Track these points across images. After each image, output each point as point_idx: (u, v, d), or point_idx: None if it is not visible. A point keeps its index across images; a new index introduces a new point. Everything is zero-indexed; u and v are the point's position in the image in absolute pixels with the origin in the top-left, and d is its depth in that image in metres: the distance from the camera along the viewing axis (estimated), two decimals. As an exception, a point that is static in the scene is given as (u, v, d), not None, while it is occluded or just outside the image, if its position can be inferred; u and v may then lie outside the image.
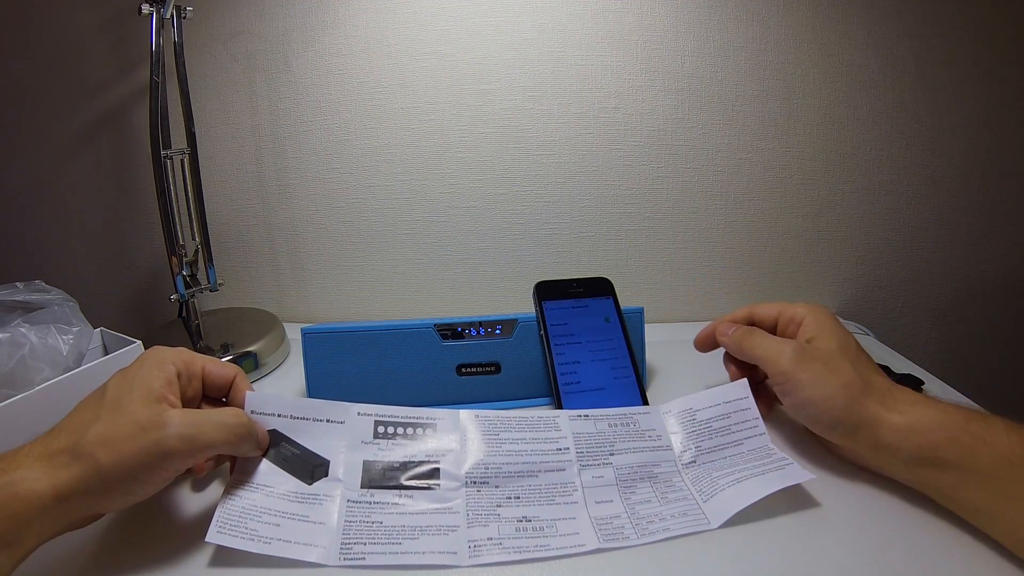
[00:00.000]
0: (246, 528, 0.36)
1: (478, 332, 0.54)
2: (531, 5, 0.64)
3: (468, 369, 0.54)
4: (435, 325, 0.53)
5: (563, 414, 0.46)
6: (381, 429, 0.43)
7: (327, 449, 0.41)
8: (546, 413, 0.46)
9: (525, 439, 0.44)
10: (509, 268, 0.73)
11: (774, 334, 0.48)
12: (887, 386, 0.41)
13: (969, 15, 0.65)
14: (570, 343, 0.52)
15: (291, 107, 0.67)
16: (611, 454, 0.43)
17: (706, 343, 0.52)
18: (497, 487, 0.41)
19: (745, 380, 0.47)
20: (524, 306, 0.57)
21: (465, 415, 0.44)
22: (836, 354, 0.42)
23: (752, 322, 0.50)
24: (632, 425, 0.46)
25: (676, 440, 0.45)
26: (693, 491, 0.42)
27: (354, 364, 0.52)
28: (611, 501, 0.41)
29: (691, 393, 0.48)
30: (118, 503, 0.34)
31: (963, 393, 0.50)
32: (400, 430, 0.43)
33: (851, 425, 0.40)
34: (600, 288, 0.56)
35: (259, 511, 0.37)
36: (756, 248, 0.72)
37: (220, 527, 0.36)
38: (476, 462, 0.42)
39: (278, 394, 0.43)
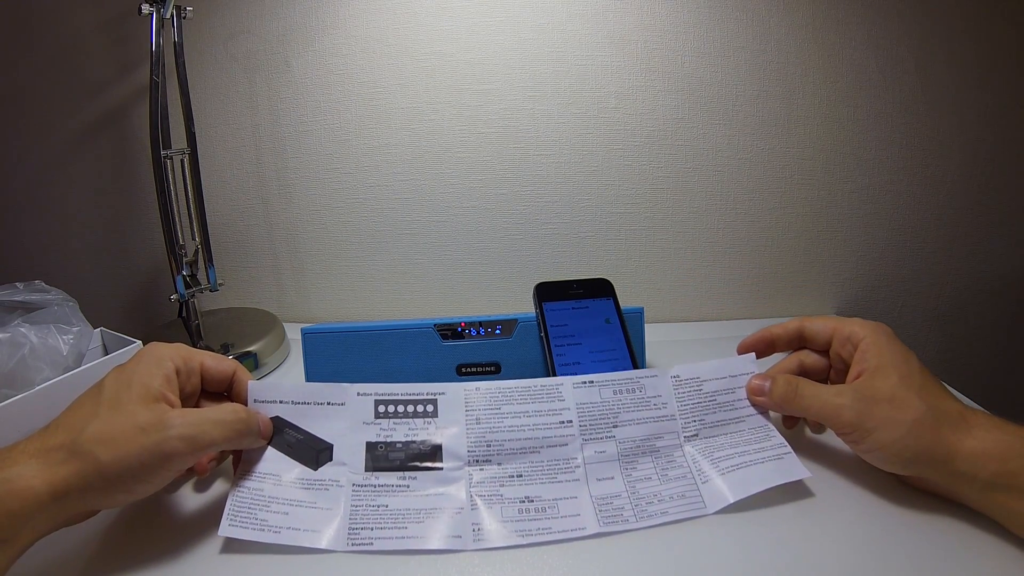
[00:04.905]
0: (256, 519, 0.37)
1: (478, 332, 0.54)
2: (531, 5, 0.64)
3: (468, 369, 0.54)
4: (435, 325, 0.53)
5: (567, 381, 0.44)
6: (382, 408, 0.43)
7: (330, 433, 0.42)
8: (549, 381, 0.44)
9: (527, 412, 0.43)
10: (509, 268, 0.73)
11: (827, 352, 0.45)
12: (959, 411, 0.38)
13: (969, 15, 0.65)
14: (570, 344, 0.52)
15: (291, 107, 0.67)
16: (614, 426, 0.43)
17: (750, 351, 0.48)
18: (500, 464, 0.41)
19: (752, 355, 0.47)
20: (524, 306, 0.57)
21: (466, 389, 0.44)
22: (899, 388, 0.38)
23: (803, 338, 0.46)
24: (638, 391, 0.44)
25: (680, 409, 0.44)
26: (693, 469, 0.42)
27: (354, 364, 0.52)
28: (612, 478, 0.41)
29: (699, 361, 0.46)
30: (116, 501, 0.35)
31: (963, 393, 0.50)
32: (401, 408, 0.43)
33: (926, 461, 0.37)
34: (600, 289, 0.56)
35: (267, 500, 0.38)
36: (756, 248, 0.72)
37: (232, 520, 0.37)
38: (478, 439, 0.42)
39: (278, 381, 0.43)
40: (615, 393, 0.44)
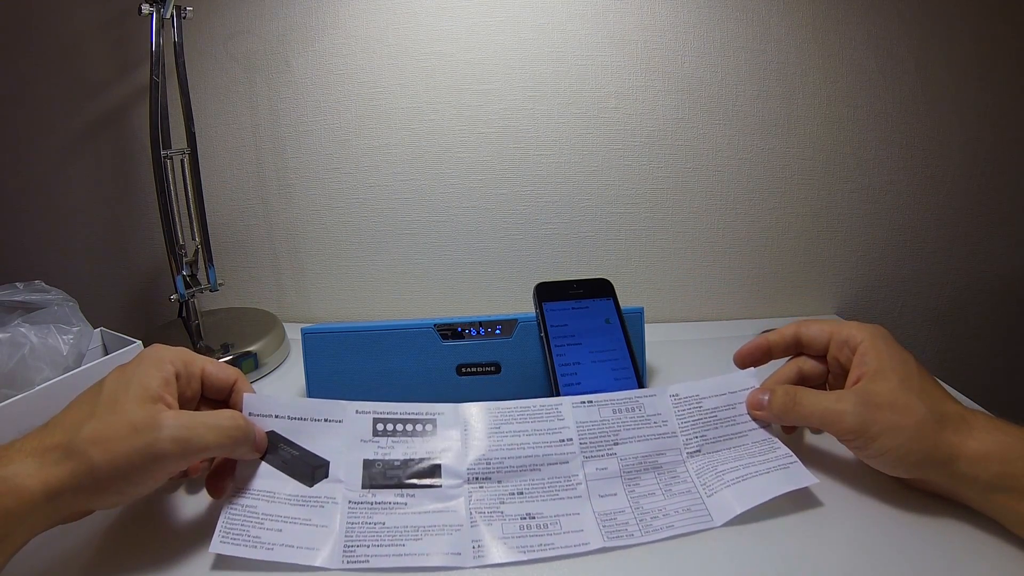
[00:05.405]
0: (249, 535, 0.36)
1: (478, 332, 0.54)
2: (531, 5, 0.64)
3: (468, 369, 0.54)
4: (435, 325, 0.53)
5: (566, 401, 0.45)
6: (380, 427, 0.42)
7: (327, 449, 0.41)
8: (549, 401, 0.44)
9: (527, 431, 0.43)
10: (509, 268, 0.73)
11: (824, 356, 0.45)
12: (959, 413, 0.38)
13: (969, 15, 0.65)
14: (570, 344, 0.52)
15: (291, 107, 0.67)
16: (615, 444, 0.43)
17: (747, 360, 0.48)
18: (500, 482, 0.41)
19: (752, 370, 0.47)
20: (524, 306, 0.57)
21: (465, 408, 0.44)
22: (900, 391, 0.38)
23: (799, 344, 0.46)
24: (637, 410, 0.45)
25: (681, 427, 0.44)
26: (697, 483, 0.42)
27: (354, 364, 0.52)
28: (615, 494, 0.41)
29: (697, 379, 0.47)
30: (109, 502, 0.34)
31: (963, 393, 0.50)
32: (399, 427, 0.43)
33: (929, 464, 0.37)
34: (600, 289, 0.56)
35: (261, 517, 0.37)
36: (756, 248, 0.72)
37: (223, 536, 0.36)
38: (478, 457, 0.42)
39: (275, 395, 0.43)
40: (614, 412, 0.44)
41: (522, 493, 0.40)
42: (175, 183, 0.58)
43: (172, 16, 0.55)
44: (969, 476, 0.37)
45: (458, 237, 0.71)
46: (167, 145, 0.57)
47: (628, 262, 0.73)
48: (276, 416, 0.41)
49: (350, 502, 0.39)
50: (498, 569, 0.36)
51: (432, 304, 0.74)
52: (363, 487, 0.40)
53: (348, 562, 0.36)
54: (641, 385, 0.51)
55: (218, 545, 0.35)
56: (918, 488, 0.41)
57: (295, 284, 0.75)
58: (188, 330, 0.64)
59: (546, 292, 0.55)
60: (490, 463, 0.41)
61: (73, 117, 0.68)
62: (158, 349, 0.38)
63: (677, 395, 0.46)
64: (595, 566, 0.37)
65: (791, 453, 0.42)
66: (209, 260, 0.62)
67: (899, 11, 0.64)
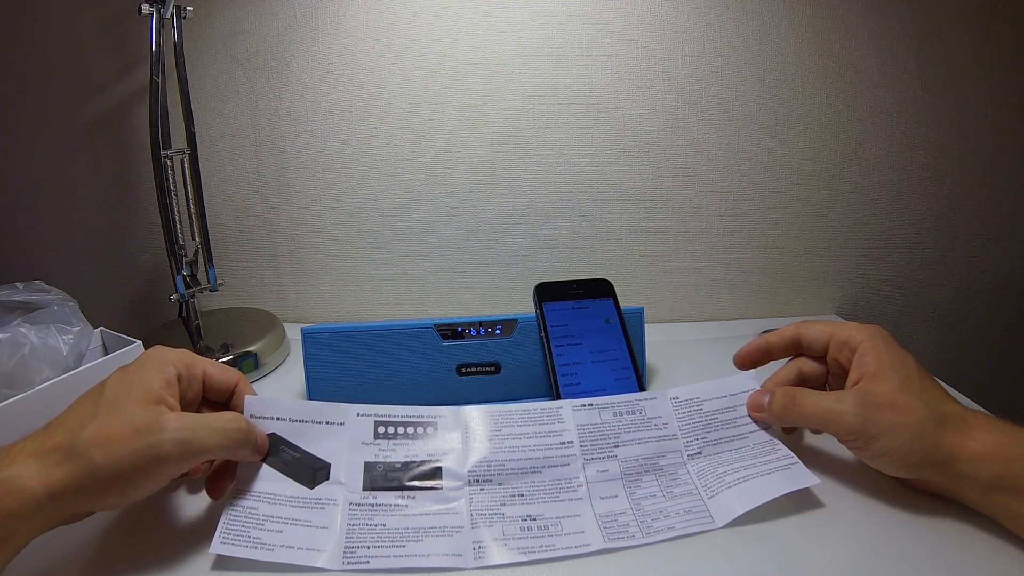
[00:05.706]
0: (249, 536, 0.36)
1: (478, 332, 0.54)
2: (531, 5, 0.64)
3: (468, 369, 0.54)
4: (435, 325, 0.53)
5: (566, 404, 0.45)
6: (381, 429, 0.42)
7: (328, 452, 0.41)
8: (549, 404, 0.45)
9: (528, 433, 0.43)
10: (509, 268, 0.73)
11: (823, 358, 0.45)
12: (959, 413, 0.38)
13: (969, 15, 0.65)
14: (571, 344, 0.52)
15: (291, 107, 0.67)
16: (616, 446, 0.43)
17: (747, 361, 0.48)
18: (500, 484, 0.41)
19: (752, 372, 0.47)
20: (524, 306, 0.57)
21: (466, 411, 0.44)
22: (900, 392, 0.38)
23: (799, 345, 0.46)
24: (638, 413, 0.45)
25: (682, 429, 0.44)
26: (698, 485, 0.42)
27: (354, 364, 0.52)
28: (616, 496, 0.41)
29: (697, 382, 0.47)
30: (111, 503, 0.34)
31: (963, 393, 0.50)
32: (400, 430, 0.43)
33: (929, 465, 0.38)
34: (600, 289, 0.56)
35: (262, 518, 0.37)
36: (756, 248, 0.72)
37: (224, 537, 0.36)
38: (479, 459, 0.42)
39: (276, 397, 0.43)
40: (615, 415, 0.44)
41: (523, 495, 0.40)
42: (175, 183, 0.58)
43: (172, 16, 0.55)
44: (969, 476, 0.37)
45: (458, 237, 0.71)
46: (167, 145, 0.57)
47: (628, 262, 0.73)
48: (277, 418, 0.41)
49: (351, 504, 0.39)
50: (499, 570, 0.36)
51: (432, 304, 0.74)
52: (364, 489, 0.40)
53: (348, 563, 0.36)
54: (641, 385, 0.51)
55: (219, 546, 0.35)
56: (918, 488, 0.41)
57: (295, 284, 0.75)
58: (188, 330, 0.64)
59: (546, 292, 0.55)
60: (491, 465, 0.41)
61: (73, 117, 0.68)
62: (160, 351, 0.38)
63: (678, 398, 0.46)
64: (596, 567, 0.37)
65: (792, 454, 0.42)
66: (209, 260, 0.62)
67: (899, 11, 0.64)
